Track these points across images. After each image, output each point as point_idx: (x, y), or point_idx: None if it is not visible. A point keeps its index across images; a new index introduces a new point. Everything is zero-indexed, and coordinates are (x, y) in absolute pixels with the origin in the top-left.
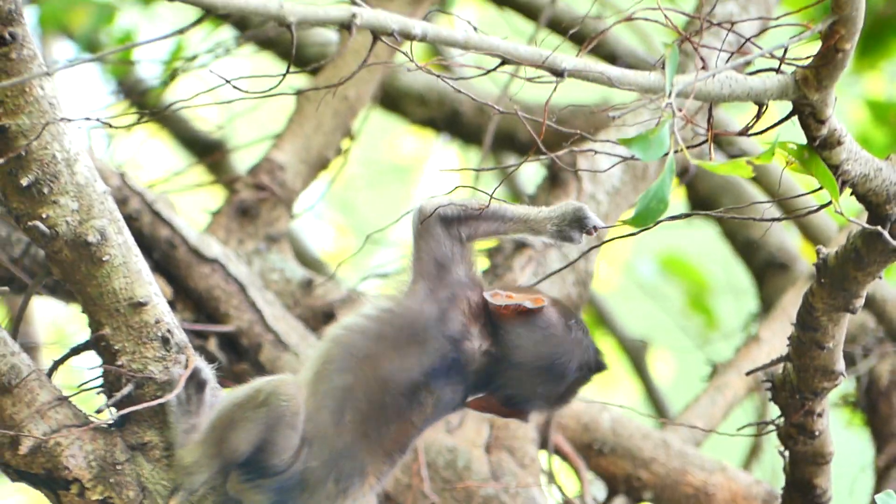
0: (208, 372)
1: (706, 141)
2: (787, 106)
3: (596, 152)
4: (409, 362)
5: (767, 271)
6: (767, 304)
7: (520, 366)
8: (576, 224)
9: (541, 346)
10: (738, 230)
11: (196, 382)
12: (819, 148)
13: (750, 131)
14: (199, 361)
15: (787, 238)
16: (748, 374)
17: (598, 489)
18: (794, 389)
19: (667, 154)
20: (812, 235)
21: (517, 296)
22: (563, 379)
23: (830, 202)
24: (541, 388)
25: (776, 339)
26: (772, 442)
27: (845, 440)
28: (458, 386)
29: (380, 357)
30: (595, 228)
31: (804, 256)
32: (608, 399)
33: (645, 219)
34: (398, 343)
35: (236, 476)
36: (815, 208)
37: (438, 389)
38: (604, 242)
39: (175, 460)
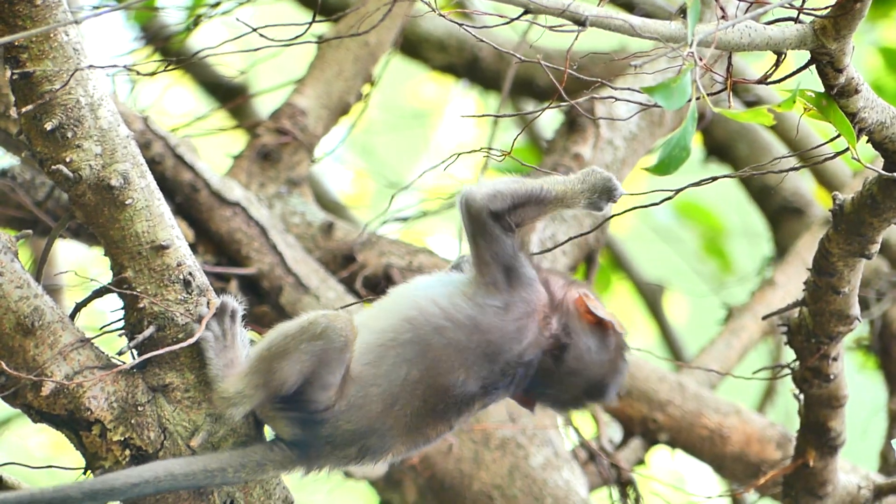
0: (237, 305)
1: (725, 89)
2: (804, 55)
3: (617, 99)
4: (474, 378)
5: (782, 216)
6: (782, 248)
7: (574, 372)
8: (605, 195)
9: (602, 363)
10: (753, 176)
11: (230, 315)
12: (837, 96)
13: (768, 80)
14: (226, 297)
15: (801, 183)
16: (765, 318)
17: (614, 431)
18: (809, 333)
19: (689, 101)
20: (826, 181)
21: (605, 310)
22: (602, 398)
23: (847, 149)
24: (576, 395)
25: (791, 284)
26: (786, 385)
27: (859, 383)
28: (508, 393)
29: (449, 365)
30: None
31: (818, 201)
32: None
33: (667, 166)
34: (468, 357)
35: (271, 403)
36: (831, 155)
37: (490, 400)
38: (638, 207)
39: (216, 393)
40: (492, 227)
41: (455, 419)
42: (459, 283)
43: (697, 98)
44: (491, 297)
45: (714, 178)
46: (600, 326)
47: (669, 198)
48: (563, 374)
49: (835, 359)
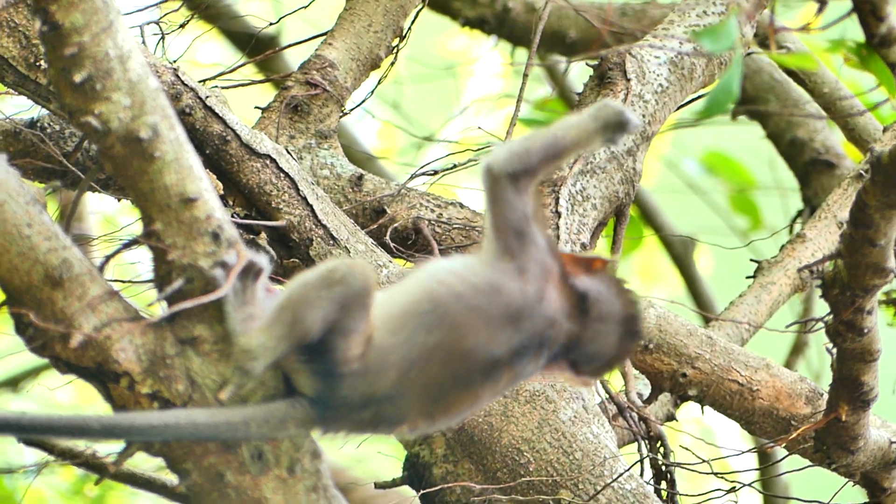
0: (264, 261)
1: (767, 37)
2: (846, 4)
3: (652, 46)
4: (498, 340)
5: (812, 171)
6: (812, 203)
7: (602, 317)
8: (619, 129)
9: (620, 298)
10: (783, 131)
11: (253, 273)
12: (878, 45)
13: (810, 28)
14: (252, 255)
15: (831, 137)
16: (800, 270)
17: (643, 386)
18: (844, 286)
19: (733, 48)
20: (856, 136)
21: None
22: (638, 331)
23: (888, 99)
24: (617, 342)
25: (821, 238)
26: (817, 340)
27: (889, 338)
28: (540, 361)
29: (469, 328)
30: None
31: (849, 156)
32: (652, 295)
33: (713, 110)
34: (490, 320)
35: (295, 355)
36: (868, 109)
37: (520, 367)
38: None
39: (237, 347)
40: (509, 195)
41: (481, 389)
42: (475, 255)
43: (745, 45)
44: (506, 262)
45: (751, 109)
46: (592, 267)
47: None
48: (593, 323)
49: (869, 312)
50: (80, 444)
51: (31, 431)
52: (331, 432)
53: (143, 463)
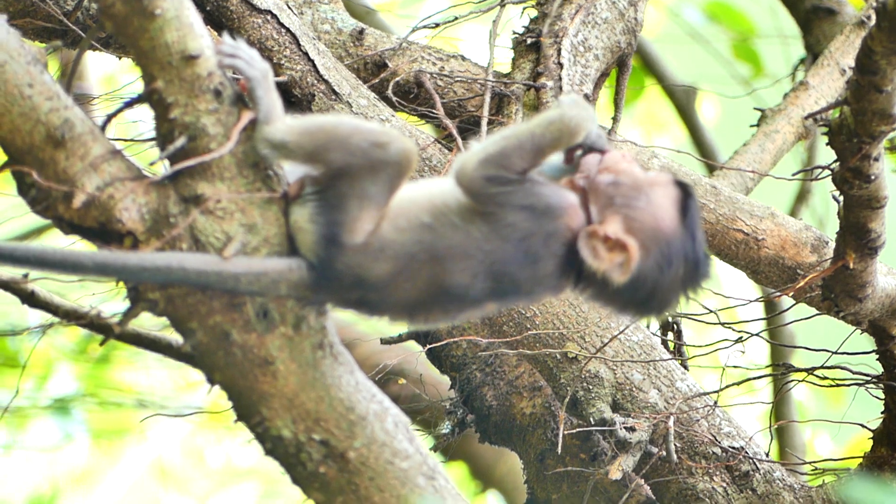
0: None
1: None
2: None
3: None
4: (479, 288)
5: (813, 18)
6: (814, 50)
7: None
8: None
9: None
10: None
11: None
12: None
13: None
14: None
15: None
16: (806, 118)
17: None
18: (851, 133)
19: None
20: None
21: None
22: None
23: None
24: None
25: (824, 86)
26: (821, 188)
27: (893, 184)
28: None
29: (448, 263)
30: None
31: (850, 2)
32: (655, 145)
33: None
34: (474, 266)
35: (308, 211)
36: None
37: (510, 299)
38: None
39: (260, 133)
40: (493, 189)
41: (459, 314)
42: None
43: None
44: (510, 231)
45: None
46: None
47: None
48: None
49: (876, 159)
50: (84, 305)
51: (24, 263)
52: (318, 303)
53: (148, 323)
